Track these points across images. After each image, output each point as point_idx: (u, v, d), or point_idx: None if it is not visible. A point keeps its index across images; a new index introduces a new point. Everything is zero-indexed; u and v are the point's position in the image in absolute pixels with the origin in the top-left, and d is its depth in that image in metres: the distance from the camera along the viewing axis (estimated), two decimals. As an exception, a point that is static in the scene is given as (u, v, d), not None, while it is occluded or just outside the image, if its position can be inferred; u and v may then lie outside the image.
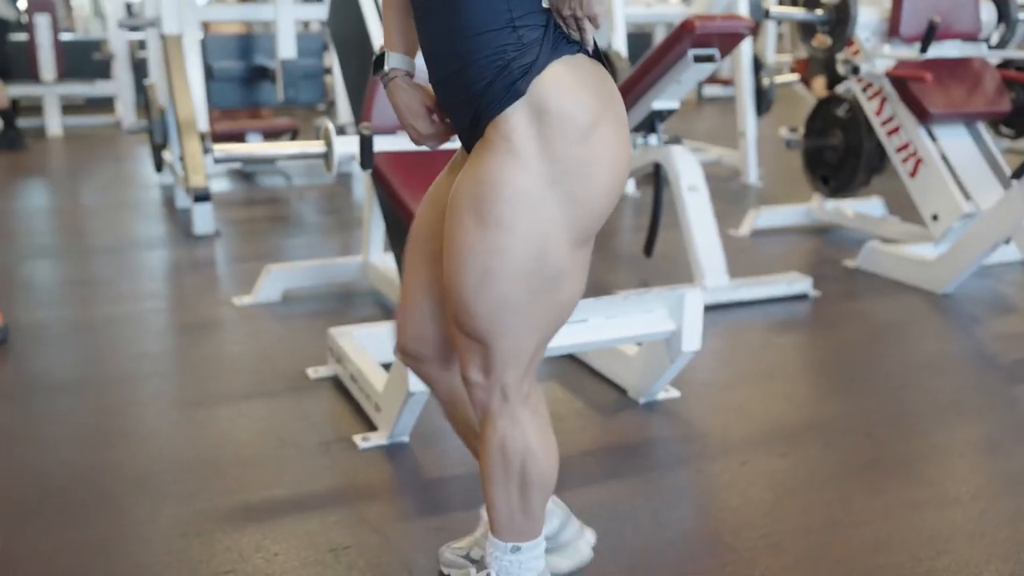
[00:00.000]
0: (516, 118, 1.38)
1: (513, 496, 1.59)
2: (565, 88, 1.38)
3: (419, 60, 1.53)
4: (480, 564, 1.76)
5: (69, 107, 8.96)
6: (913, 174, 4.01)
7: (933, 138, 3.99)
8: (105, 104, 9.03)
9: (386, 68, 1.57)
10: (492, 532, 1.65)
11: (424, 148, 1.66)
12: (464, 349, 1.53)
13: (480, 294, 1.44)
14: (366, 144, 2.69)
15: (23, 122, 8.44)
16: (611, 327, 2.51)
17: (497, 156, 1.39)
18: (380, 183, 2.99)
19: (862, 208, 4.72)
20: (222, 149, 2.84)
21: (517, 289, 1.44)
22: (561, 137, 1.37)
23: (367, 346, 2.84)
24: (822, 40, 4.17)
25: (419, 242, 1.65)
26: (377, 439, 2.47)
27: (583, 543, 1.85)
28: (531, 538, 1.64)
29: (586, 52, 1.43)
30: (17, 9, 9.10)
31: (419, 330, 1.68)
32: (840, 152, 4.58)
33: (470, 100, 1.41)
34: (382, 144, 2.85)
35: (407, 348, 1.71)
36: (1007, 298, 3.70)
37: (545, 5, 1.38)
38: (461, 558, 1.85)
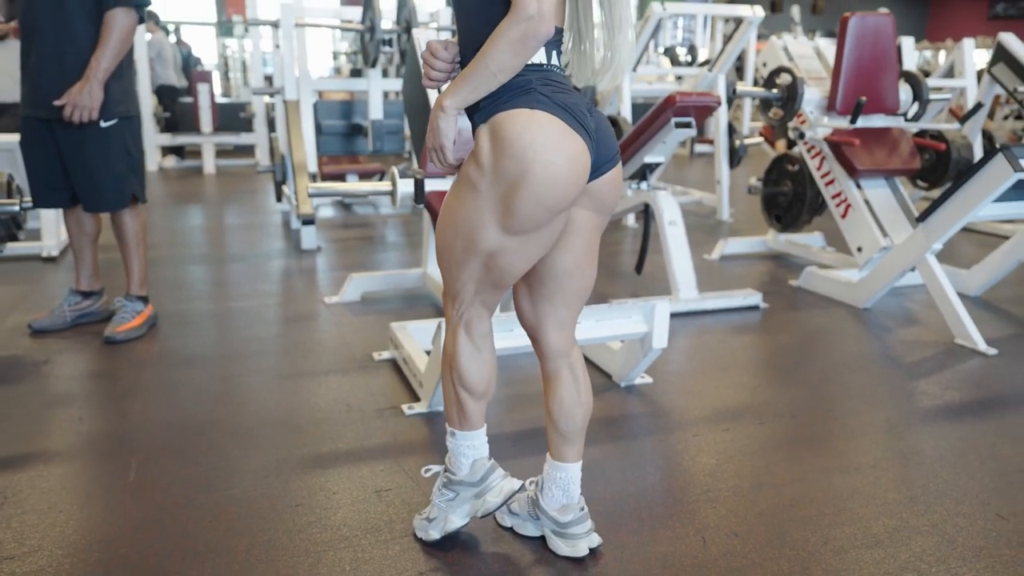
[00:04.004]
0: (483, 133, 1.44)
1: (448, 389, 1.67)
2: (511, 124, 1.40)
3: (464, 122, 1.52)
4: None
5: (221, 152, 9.10)
6: (844, 215, 3.92)
7: (860, 188, 3.90)
8: (248, 150, 9.16)
9: None
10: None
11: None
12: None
13: (439, 236, 1.55)
14: (419, 185, 2.68)
15: (188, 162, 8.61)
16: (600, 328, 2.48)
17: (469, 157, 1.48)
18: (431, 213, 2.98)
19: (805, 240, 4.63)
20: (314, 187, 2.85)
21: (454, 243, 1.52)
22: (501, 153, 1.41)
23: (416, 337, 2.84)
24: (777, 112, 4.10)
25: None
26: (419, 408, 2.45)
27: (505, 483, 1.73)
28: (461, 428, 1.69)
29: (545, 110, 1.41)
30: (185, 79, 9.27)
31: (521, 317, 1.70)
32: (789, 197, 4.49)
33: (474, 108, 1.48)
34: (432, 185, 2.84)
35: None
36: (912, 312, 3.59)
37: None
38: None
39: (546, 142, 1.39)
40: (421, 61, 1.57)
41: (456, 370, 1.63)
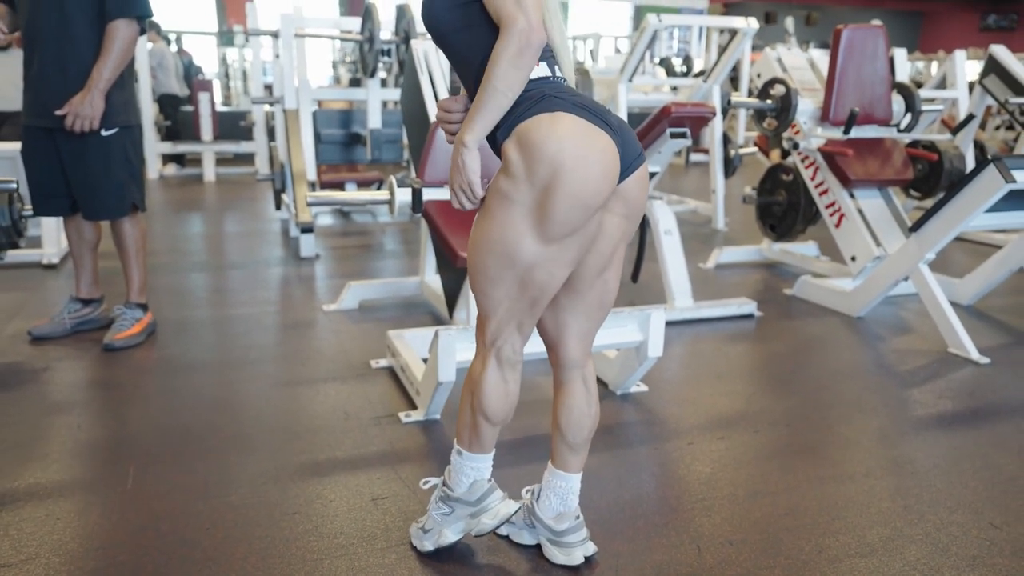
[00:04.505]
0: (510, 146, 1.43)
1: (466, 411, 1.64)
2: (537, 130, 1.40)
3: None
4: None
5: (221, 160, 9.07)
6: (838, 225, 3.92)
7: (853, 198, 3.90)
8: (247, 158, 9.14)
9: None
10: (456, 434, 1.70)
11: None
12: None
13: (471, 259, 1.51)
14: (416, 195, 2.67)
15: (189, 170, 8.60)
16: (596, 336, 2.47)
17: (499, 172, 1.46)
18: (428, 223, 2.97)
19: (800, 249, 4.63)
20: (313, 196, 2.84)
21: (492, 263, 1.48)
22: (531, 159, 1.40)
23: (414, 345, 2.83)
24: (771, 123, 4.10)
25: None
26: (416, 416, 2.45)
27: (502, 506, 1.72)
28: (470, 450, 1.67)
29: (565, 111, 1.42)
30: (186, 88, 9.26)
31: (541, 325, 1.69)
32: (784, 207, 4.49)
33: (493, 131, 1.48)
34: (429, 194, 2.83)
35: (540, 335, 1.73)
36: (905, 321, 3.59)
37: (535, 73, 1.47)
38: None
39: (573, 140, 1.39)
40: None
41: (478, 396, 1.61)
